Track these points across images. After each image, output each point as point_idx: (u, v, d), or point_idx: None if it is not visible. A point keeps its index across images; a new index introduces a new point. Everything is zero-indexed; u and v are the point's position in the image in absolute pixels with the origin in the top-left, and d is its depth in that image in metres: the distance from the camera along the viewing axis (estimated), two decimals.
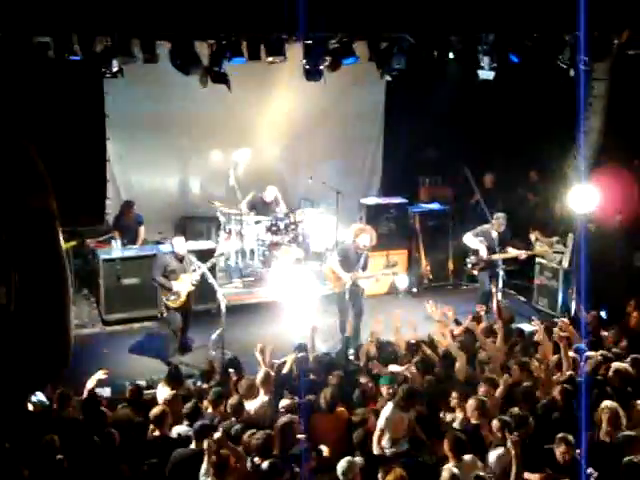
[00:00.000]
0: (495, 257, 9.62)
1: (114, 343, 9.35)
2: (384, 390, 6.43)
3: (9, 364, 7.41)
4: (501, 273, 9.64)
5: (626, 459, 5.03)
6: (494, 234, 9.64)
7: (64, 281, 9.13)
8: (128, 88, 10.47)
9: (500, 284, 9.64)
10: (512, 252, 9.79)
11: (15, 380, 7.14)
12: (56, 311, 8.65)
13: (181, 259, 8.72)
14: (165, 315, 8.87)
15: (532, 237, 10.46)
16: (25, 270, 8.17)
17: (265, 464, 5.16)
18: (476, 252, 9.66)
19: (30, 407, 6.37)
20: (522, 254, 9.86)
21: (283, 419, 5.70)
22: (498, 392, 6.34)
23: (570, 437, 5.27)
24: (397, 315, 7.97)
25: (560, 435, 5.33)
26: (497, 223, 9.65)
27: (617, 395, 6.06)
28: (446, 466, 5.13)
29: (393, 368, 6.80)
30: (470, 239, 9.69)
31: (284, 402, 6.30)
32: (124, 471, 5.24)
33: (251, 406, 6.39)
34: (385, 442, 5.91)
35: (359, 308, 9.17)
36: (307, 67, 9.51)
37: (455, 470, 4.99)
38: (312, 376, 7.01)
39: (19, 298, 8.03)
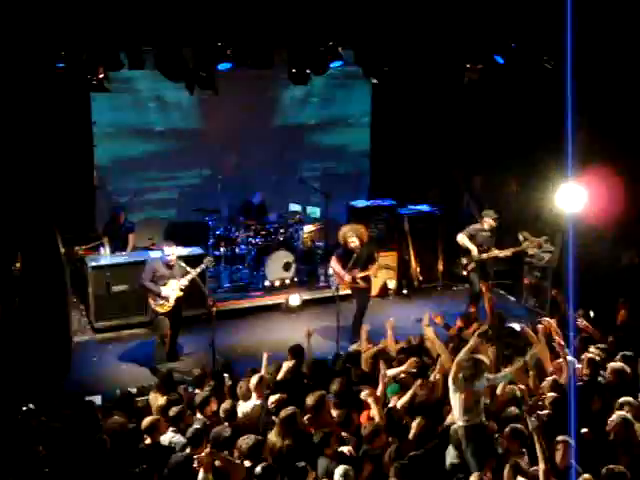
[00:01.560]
0: (485, 256, 9.66)
1: (104, 350, 9.32)
2: (393, 400, 6.42)
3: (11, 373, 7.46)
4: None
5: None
6: (485, 233, 9.69)
7: (67, 289, 9.20)
8: (114, 96, 10.47)
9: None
10: (503, 251, 9.83)
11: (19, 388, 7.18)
12: (60, 320, 8.73)
13: (171, 265, 8.66)
14: (153, 320, 8.84)
15: (520, 237, 10.47)
16: (31, 279, 8.26)
17: (258, 468, 5.14)
18: (468, 252, 9.69)
19: None
20: (510, 251, 9.88)
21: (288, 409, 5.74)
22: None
23: (570, 440, 5.27)
24: (391, 322, 7.89)
25: (560, 438, 5.32)
26: (487, 221, 9.69)
27: (617, 393, 6.08)
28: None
29: (390, 372, 6.77)
30: (463, 239, 9.70)
31: (273, 398, 6.34)
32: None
33: (242, 409, 6.37)
34: None
35: (360, 306, 9.30)
36: (293, 71, 9.55)
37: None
38: (306, 381, 7.00)
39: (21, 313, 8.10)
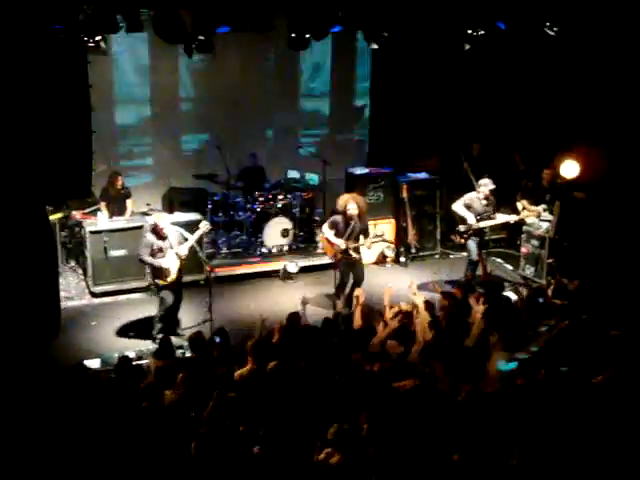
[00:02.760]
0: (483, 224, 9.67)
1: (102, 315, 9.36)
2: None
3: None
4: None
5: None
6: (482, 201, 9.68)
7: (55, 253, 9.22)
8: (112, 59, 10.39)
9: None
10: (500, 218, 9.84)
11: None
12: (49, 282, 8.76)
13: (164, 237, 8.46)
14: (157, 295, 8.68)
15: (519, 206, 10.47)
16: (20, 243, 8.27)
17: None
18: (464, 220, 9.69)
19: None
20: (511, 219, 9.90)
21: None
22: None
23: None
24: (389, 290, 7.82)
25: None
26: (483, 190, 9.67)
27: None
28: None
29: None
30: (459, 207, 9.71)
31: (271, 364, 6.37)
32: None
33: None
34: None
35: (357, 277, 9.24)
36: (293, 36, 9.44)
37: None
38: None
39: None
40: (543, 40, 9.73)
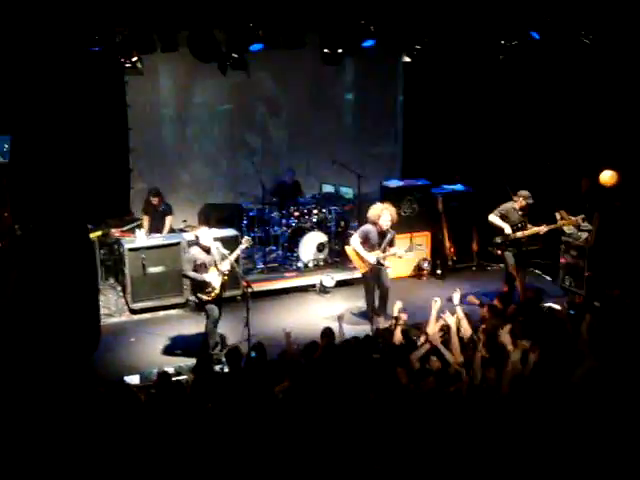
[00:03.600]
0: (519, 235, 9.57)
1: (141, 331, 9.45)
2: None
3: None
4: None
5: None
6: (518, 212, 9.58)
7: (95, 270, 9.38)
8: (149, 79, 10.57)
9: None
10: (535, 228, 9.70)
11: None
12: (90, 298, 8.91)
13: (208, 250, 8.51)
14: (200, 310, 8.73)
15: (557, 216, 10.32)
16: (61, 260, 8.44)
17: None
18: (501, 231, 9.60)
19: None
20: (543, 229, 9.76)
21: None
22: None
23: None
24: (436, 302, 7.43)
25: None
26: (519, 200, 9.57)
27: None
28: None
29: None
30: (495, 218, 9.62)
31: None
32: None
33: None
34: None
35: (385, 289, 9.21)
36: (325, 52, 9.50)
37: None
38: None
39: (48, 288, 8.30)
40: (578, 49, 9.62)
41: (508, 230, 9.51)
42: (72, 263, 8.63)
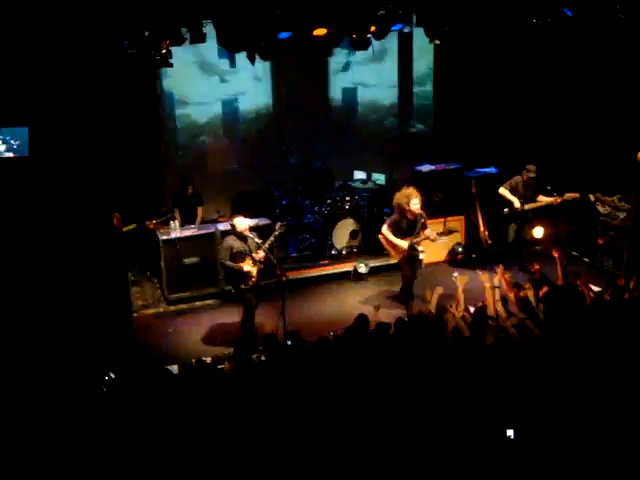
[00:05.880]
0: (527, 207, 9.89)
1: (178, 321, 9.56)
2: None
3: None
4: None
5: None
6: (525, 184, 9.92)
7: (124, 261, 9.50)
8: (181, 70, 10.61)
9: None
10: (544, 200, 9.95)
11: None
12: (119, 290, 9.05)
13: (244, 239, 8.52)
14: (240, 299, 8.70)
15: (592, 198, 10.20)
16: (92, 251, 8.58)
17: None
18: (510, 204, 9.92)
19: None
20: (555, 200, 9.81)
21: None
22: None
23: None
24: (461, 279, 7.55)
25: None
26: (526, 173, 9.87)
27: None
28: None
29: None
30: (504, 191, 10.01)
31: None
32: None
33: None
34: None
35: (416, 272, 9.27)
36: (354, 36, 9.42)
37: None
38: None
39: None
40: (613, 25, 9.40)
41: (517, 204, 9.86)
42: (101, 254, 8.77)
